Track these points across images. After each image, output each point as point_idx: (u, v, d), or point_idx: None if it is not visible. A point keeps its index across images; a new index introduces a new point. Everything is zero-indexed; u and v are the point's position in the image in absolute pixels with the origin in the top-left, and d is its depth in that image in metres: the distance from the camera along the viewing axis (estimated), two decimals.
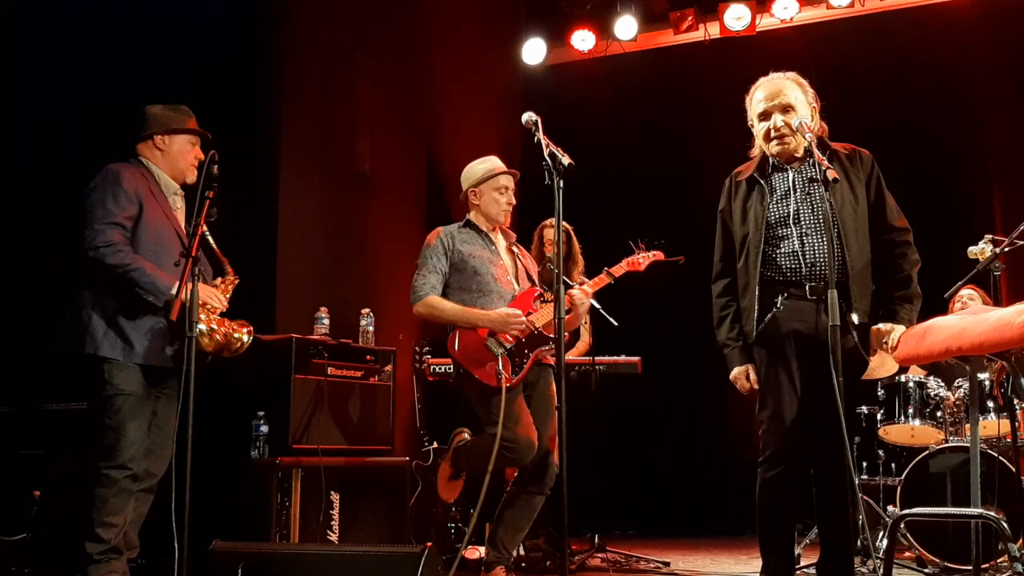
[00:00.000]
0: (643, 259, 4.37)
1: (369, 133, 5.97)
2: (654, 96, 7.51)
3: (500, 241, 4.21)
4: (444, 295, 4.01)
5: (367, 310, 4.82)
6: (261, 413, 4.22)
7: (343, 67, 5.84)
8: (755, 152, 3.44)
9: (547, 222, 5.29)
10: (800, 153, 3.31)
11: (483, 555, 4.01)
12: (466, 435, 4.37)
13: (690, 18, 7.00)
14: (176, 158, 3.67)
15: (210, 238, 3.55)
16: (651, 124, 7.51)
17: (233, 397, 4.33)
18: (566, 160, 3.29)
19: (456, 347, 3.97)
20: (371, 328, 4.81)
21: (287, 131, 5.33)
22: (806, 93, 3.35)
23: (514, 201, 4.19)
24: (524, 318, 3.93)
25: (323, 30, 5.69)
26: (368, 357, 4.66)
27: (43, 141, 5.05)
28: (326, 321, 4.66)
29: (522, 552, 4.70)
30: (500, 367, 3.87)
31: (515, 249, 4.27)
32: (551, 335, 4.00)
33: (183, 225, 3.62)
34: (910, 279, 3.26)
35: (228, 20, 5.08)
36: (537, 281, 4.22)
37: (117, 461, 3.35)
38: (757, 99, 3.37)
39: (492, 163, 4.20)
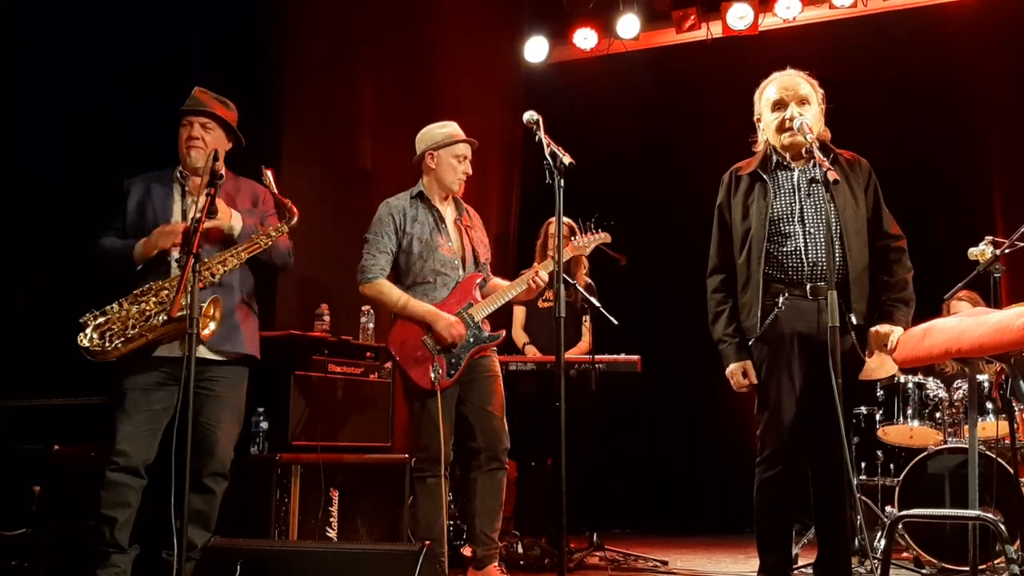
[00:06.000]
0: (588, 242, 4.32)
1: (371, 130, 5.96)
2: (656, 95, 7.50)
3: (449, 215, 4.11)
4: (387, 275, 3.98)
5: (367, 307, 4.82)
6: (261, 410, 4.21)
7: (345, 63, 5.84)
8: (759, 147, 3.42)
9: (551, 220, 5.29)
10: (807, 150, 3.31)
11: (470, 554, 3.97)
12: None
13: (692, 17, 6.98)
14: (180, 145, 3.70)
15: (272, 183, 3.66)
16: (653, 123, 7.51)
17: None
18: (567, 159, 3.30)
19: (394, 340, 3.95)
20: (371, 325, 4.80)
21: (289, 126, 5.33)
22: (817, 93, 3.36)
23: (470, 171, 4.10)
24: (463, 333, 3.87)
25: (325, 25, 5.69)
26: (368, 354, 4.66)
27: (44, 135, 5.04)
28: (326, 318, 4.66)
29: (520, 551, 4.71)
30: (435, 366, 3.83)
31: (463, 224, 4.12)
32: (491, 333, 3.99)
33: (188, 212, 3.62)
34: (906, 282, 3.27)
35: (230, 13, 5.07)
36: (482, 259, 4.12)
37: (110, 454, 3.38)
38: (771, 90, 3.36)
39: (452, 128, 4.11)
